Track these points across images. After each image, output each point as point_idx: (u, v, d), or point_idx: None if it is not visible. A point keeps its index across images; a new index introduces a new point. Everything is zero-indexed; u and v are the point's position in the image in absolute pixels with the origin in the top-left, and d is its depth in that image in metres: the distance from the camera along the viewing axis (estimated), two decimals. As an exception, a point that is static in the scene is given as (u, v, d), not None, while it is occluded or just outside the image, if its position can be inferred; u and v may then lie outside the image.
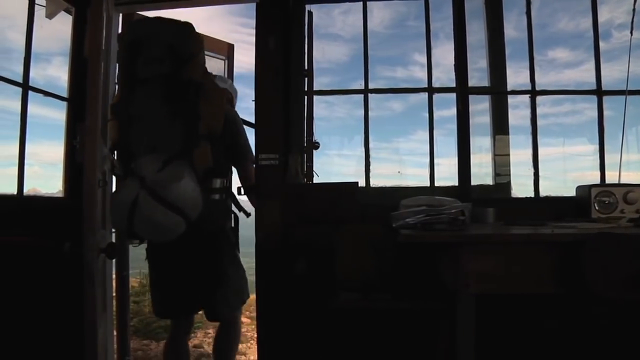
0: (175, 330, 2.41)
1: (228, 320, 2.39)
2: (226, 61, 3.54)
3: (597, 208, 2.27)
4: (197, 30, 2.15)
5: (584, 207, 2.31)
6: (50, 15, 2.58)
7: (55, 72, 2.99)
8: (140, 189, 1.87)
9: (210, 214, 2.07)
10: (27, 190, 2.42)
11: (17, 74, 2.37)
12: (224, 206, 2.26)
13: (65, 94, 2.67)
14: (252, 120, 2.63)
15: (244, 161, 2.42)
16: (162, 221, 1.86)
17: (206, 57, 3.25)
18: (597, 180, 2.62)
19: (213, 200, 2.14)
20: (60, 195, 2.67)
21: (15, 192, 2.34)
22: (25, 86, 2.38)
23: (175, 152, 1.95)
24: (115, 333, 2.90)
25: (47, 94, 2.56)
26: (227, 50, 3.55)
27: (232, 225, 2.33)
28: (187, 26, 2.11)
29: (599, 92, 2.68)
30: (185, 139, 1.96)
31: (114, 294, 2.89)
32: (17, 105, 2.37)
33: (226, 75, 3.46)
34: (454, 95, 2.69)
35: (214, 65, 3.38)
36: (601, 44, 2.70)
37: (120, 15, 2.83)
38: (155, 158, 1.95)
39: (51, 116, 2.84)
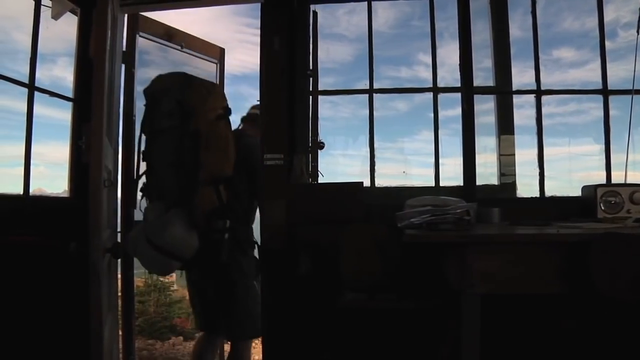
0: (204, 336, 2.76)
1: (238, 344, 2.61)
2: (218, 64, 3.59)
3: (603, 208, 2.25)
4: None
5: (589, 207, 2.30)
6: (55, 16, 2.59)
7: (60, 73, 2.99)
8: (141, 232, 2.15)
9: (215, 249, 2.25)
10: (32, 190, 2.42)
11: (22, 74, 2.38)
12: (231, 242, 2.33)
13: (70, 95, 2.67)
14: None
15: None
16: (153, 261, 2.16)
17: (198, 59, 3.34)
18: (603, 180, 2.61)
19: (216, 240, 2.26)
20: (66, 195, 2.67)
21: (21, 192, 2.35)
22: (31, 87, 2.39)
23: (174, 200, 2.15)
24: (120, 333, 2.92)
25: (52, 94, 2.56)
26: (219, 54, 3.60)
27: (250, 255, 2.57)
28: (188, 81, 2.25)
29: (605, 92, 2.67)
30: (184, 187, 2.14)
31: (119, 294, 2.90)
32: (23, 106, 2.38)
33: (217, 78, 3.53)
34: (459, 95, 2.67)
35: (207, 68, 3.47)
36: (607, 43, 2.68)
37: (126, 15, 2.85)
38: (158, 205, 2.20)
39: (57, 116, 2.85)
